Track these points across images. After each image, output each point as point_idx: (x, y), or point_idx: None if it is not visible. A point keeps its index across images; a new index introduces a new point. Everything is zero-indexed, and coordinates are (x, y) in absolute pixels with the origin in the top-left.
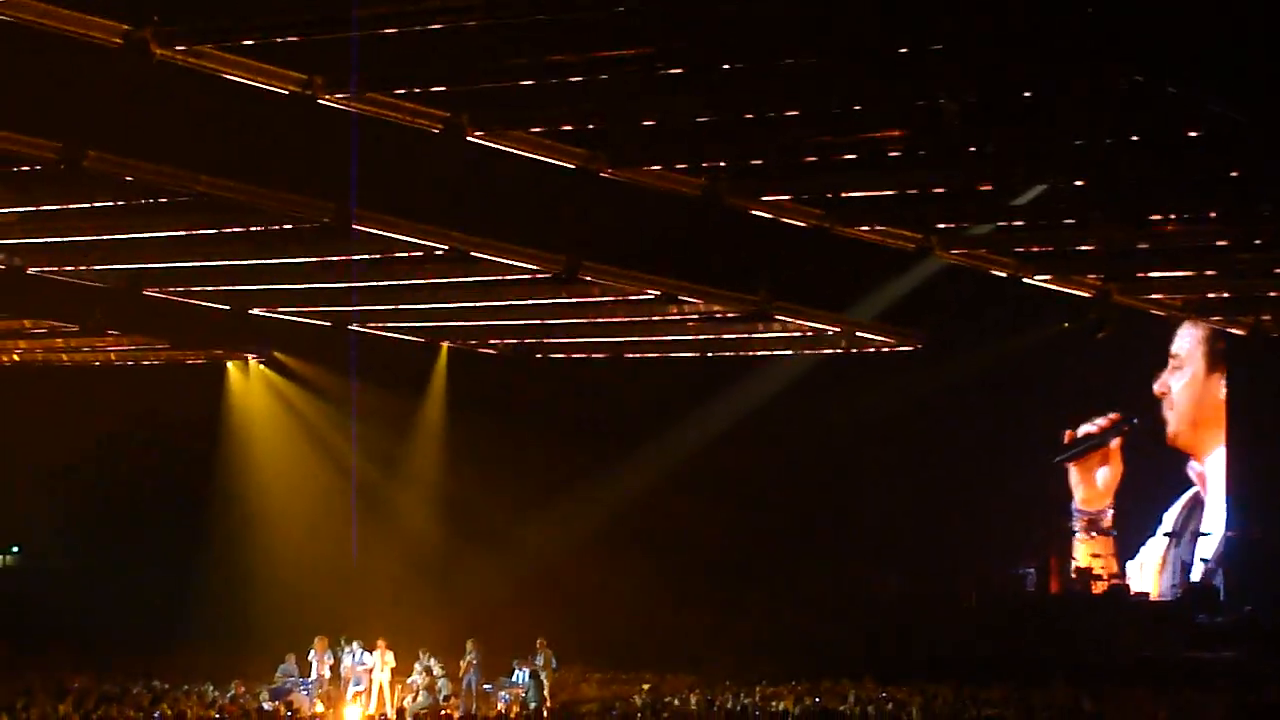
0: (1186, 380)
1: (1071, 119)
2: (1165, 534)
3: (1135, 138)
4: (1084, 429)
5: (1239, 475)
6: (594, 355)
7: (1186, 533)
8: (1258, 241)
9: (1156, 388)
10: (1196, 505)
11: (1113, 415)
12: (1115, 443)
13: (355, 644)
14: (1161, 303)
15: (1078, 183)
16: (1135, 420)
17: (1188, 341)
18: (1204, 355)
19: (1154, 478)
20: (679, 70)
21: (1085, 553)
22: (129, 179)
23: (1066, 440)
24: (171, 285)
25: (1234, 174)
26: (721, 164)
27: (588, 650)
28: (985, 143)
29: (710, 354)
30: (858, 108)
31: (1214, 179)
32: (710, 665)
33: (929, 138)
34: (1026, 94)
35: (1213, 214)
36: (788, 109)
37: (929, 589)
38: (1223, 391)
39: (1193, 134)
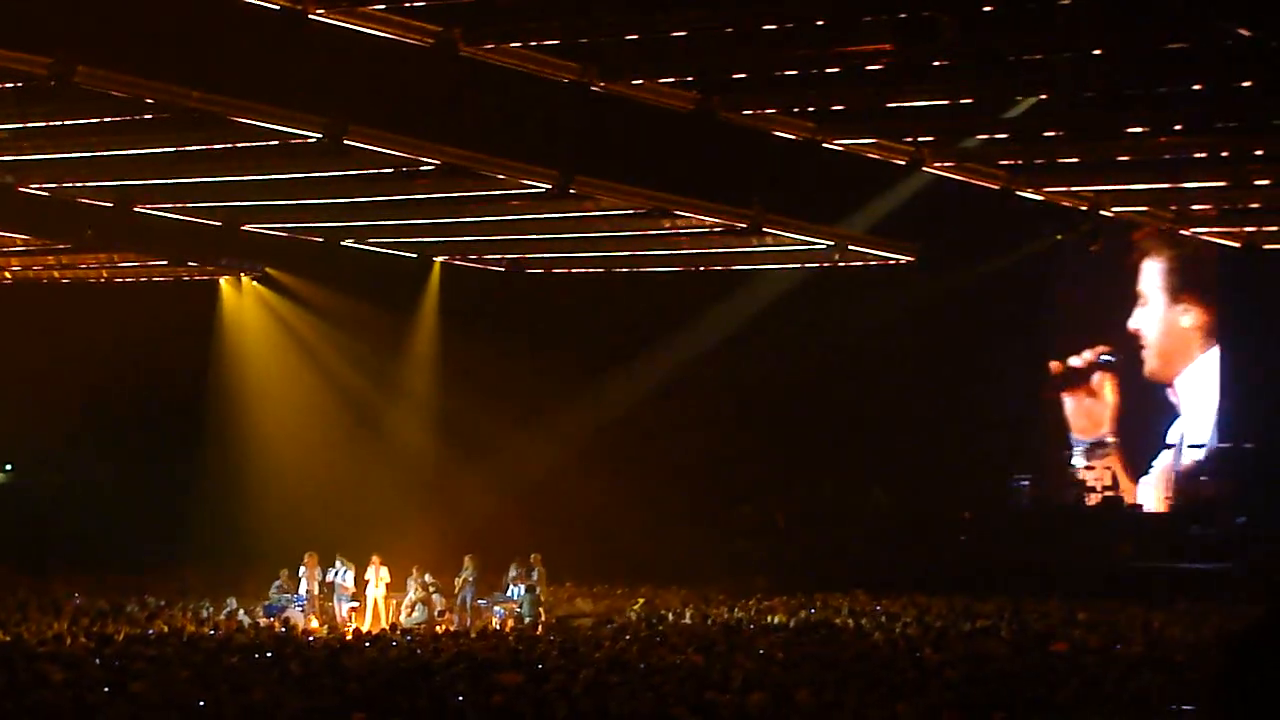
0: (1154, 317)
1: (1064, 30)
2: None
3: (1129, 49)
4: (1072, 361)
5: (1231, 387)
6: (587, 270)
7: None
8: (1251, 152)
9: (1131, 324)
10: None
11: (1099, 348)
12: (1098, 376)
13: (338, 561)
14: (1153, 215)
15: (1070, 95)
16: (1116, 356)
17: (1154, 278)
18: (1165, 289)
19: (1144, 404)
20: None
21: (1090, 476)
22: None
23: (1055, 370)
24: (164, 202)
25: (1230, 85)
26: (714, 77)
27: (582, 565)
28: (978, 55)
29: (703, 268)
30: (849, 19)
31: (1209, 91)
32: (704, 579)
33: (921, 50)
34: (1015, 5)
35: (1206, 126)
36: (780, 21)
37: (924, 502)
38: (1185, 320)
39: (1186, 45)
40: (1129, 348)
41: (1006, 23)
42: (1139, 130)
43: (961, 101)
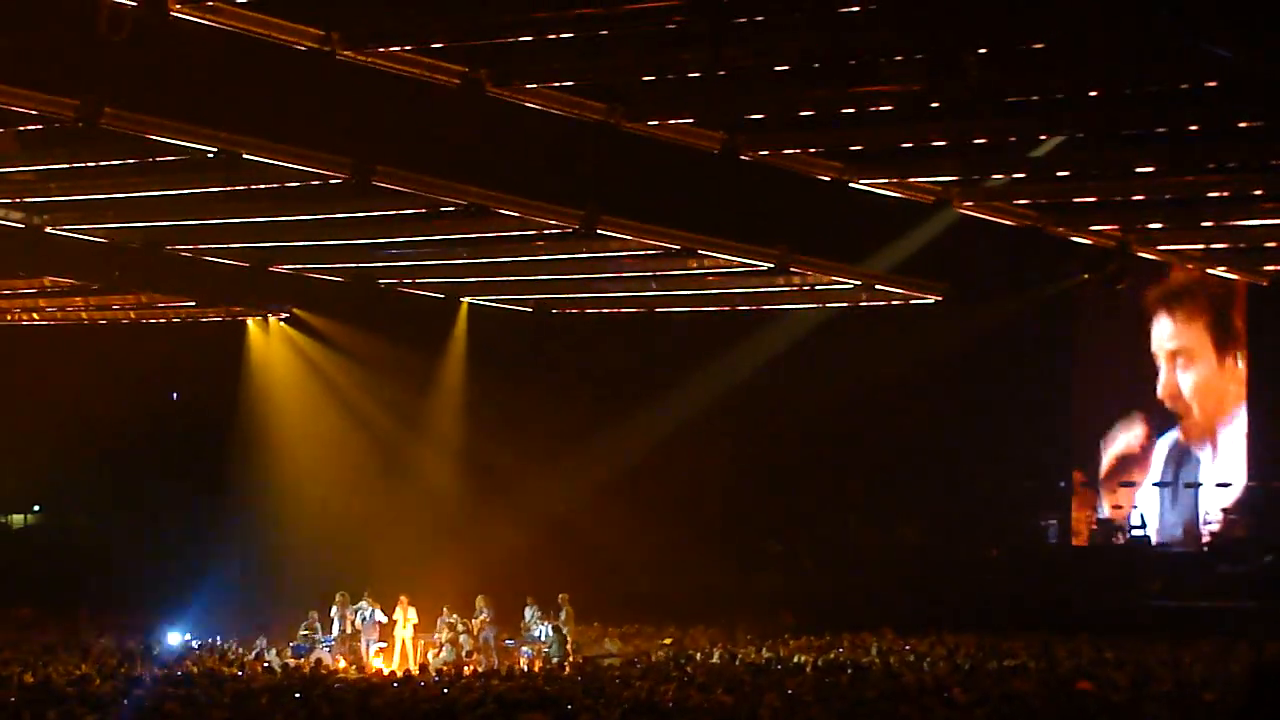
0: (1203, 375)
1: (1089, 70)
2: (1155, 484)
3: (1153, 88)
4: (1116, 450)
5: (1260, 424)
6: (615, 310)
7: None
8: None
9: (1161, 390)
10: (1184, 455)
11: (1141, 428)
12: (1152, 452)
13: (365, 601)
14: (1181, 253)
15: (1095, 134)
16: (1169, 429)
17: (1190, 333)
18: (1212, 344)
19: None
20: (698, 23)
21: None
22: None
23: (1104, 472)
24: (191, 243)
25: (1254, 124)
26: (740, 117)
27: (608, 604)
28: (1004, 94)
29: (729, 307)
30: (875, 59)
31: (1233, 129)
32: (732, 619)
33: (948, 89)
34: (1042, 44)
35: (1232, 164)
36: (805, 61)
37: (951, 541)
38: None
39: (1212, 84)
40: (1173, 405)
41: (1032, 62)
42: (1162, 169)
43: (987, 141)
